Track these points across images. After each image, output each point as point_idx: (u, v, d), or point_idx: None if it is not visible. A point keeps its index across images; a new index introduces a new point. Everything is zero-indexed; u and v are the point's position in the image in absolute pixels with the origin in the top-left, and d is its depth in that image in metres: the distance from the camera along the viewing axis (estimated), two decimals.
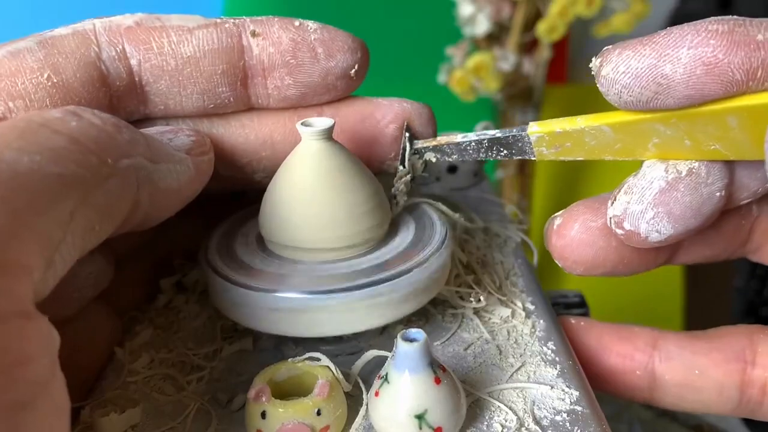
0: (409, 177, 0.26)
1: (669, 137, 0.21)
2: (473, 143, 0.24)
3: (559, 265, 0.24)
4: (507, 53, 0.75)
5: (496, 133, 0.24)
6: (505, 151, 0.24)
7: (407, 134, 0.25)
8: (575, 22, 0.72)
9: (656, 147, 0.21)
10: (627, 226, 0.21)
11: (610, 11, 0.74)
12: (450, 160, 0.25)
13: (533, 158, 0.23)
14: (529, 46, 0.77)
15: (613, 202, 0.22)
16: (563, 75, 0.91)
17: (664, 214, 0.21)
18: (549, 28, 0.72)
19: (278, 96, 0.24)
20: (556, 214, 0.24)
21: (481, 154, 0.24)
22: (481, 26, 0.74)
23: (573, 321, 0.26)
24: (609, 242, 0.23)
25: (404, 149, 0.25)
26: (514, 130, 0.23)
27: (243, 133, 0.25)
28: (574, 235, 0.23)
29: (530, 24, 0.74)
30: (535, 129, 0.23)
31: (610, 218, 0.22)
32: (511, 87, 0.77)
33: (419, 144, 0.25)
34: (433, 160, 0.25)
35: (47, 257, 0.15)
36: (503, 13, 0.74)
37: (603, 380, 0.25)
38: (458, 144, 0.24)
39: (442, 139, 0.25)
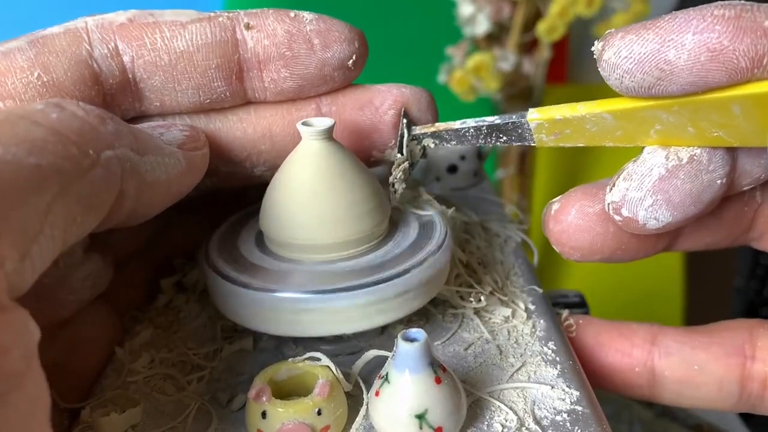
0: (407, 164, 0.25)
1: (671, 124, 0.20)
2: (472, 129, 0.24)
3: (557, 250, 0.24)
4: (507, 53, 0.75)
5: (495, 119, 0.23)
6: (505, 138, 0.23)
7: (405, 120, 0.25)
8: (575, 22, 0.72)
9: (658, 134, 0.21)
10: (625, 212, 0.21)
11: (610, 11, 0.74)
12: (448, 146, 0.25)
13: (533, 144, 0.23)
14: (529, 46, 0.78)
15: (611, 188, 0.21)
16: (563, 75, 0.91)
17: (663, 201, 0.21)
18: (549, 28, 0.72)
19: (275, 89, 0.24)
20: (553, 200, 0.24)
21: (480, 141, 0.24)
22: (481, 26, 0.74)
23: (571, 319, 0.26)
24: (606, 228, 0.23)
25: (402, 136, 0.25)
26: (514, 117, 0.23)
27: (241, 127, 0.25)
28: (571, 221, 0.23)
29: (530, 24, 0.74)
30: (534, 116, 0.22)
31: (608, 204, 0.22)
32: (511, 87, 0.77)
33: (417, 130, 0.25)
34: (432, 146, 0.25)
35: (22, 249, 0.15)
36: (503, 13, 0.74)
37: (602, 377, 0.25)
38: (457, 130, 0.24)
39: (440, 125, 0.25)
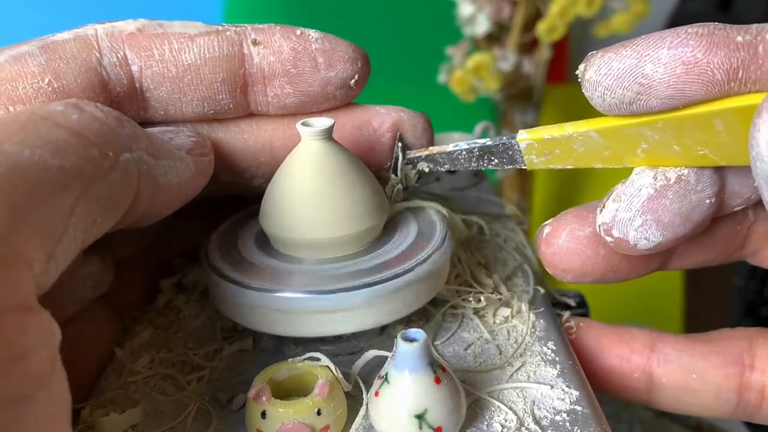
0: (400, 186, 0.26)
1: (657, 142, 0.20)
2: (464, 152, 0.24)
3: (549, 272, 0.24)
4: (507, 53, 0.75)
5: (486, 141, 0.24)
6: (496, 160, 0.24)
7: (400, 144, 0.26)
8: (575, 22, 0.72)
9: (645, 153, 0.21)
10: (616, 233, 0.21)
11: (610, 11, 0.74)
12: (442, 169, 0.26)
13: (524, 167, 0.23)
14: (529, 46, 0.78)
15: (602, 210, 0.22)
16: (563, 75, 0.91)
17: (653, 221, 0.21)
18: (549, 28, 0.72)
19: (277, 104, 0.25)
20: (545, 223, 0.24)
21: (472, 164, 0.24)
22: (481, 26, 0.74)
23: (572, 321, 0.26)
24: (597, 251, 0.23)
25: (396, 158, 0.26)
26: (504, 138, 0.23)
27: (242, 139, 0.25)
28: (562, 244, 0.23)
29: (530, 24, 0.74)
30: (524, 136, 0.23)
31: (599, 225, 0.22)
32: (511, 87, 0.77)
33: (411, 154, 0.26)
34: (426, 170, 0.26)
35: (48, 250, 0.15)
36: (503, 13, 0.74)
37: (601, 381, 0.25)
38: (450, 153, 0.25)
39: (434, 148, 0.25)
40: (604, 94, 0.20)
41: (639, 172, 0.21)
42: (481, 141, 0.24)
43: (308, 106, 0.25)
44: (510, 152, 0.23)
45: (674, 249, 0.24)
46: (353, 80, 0.25)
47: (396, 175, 0.26)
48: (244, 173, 0.26)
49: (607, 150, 0.22)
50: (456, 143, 0.25)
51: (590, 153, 0.22)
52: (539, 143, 0.22)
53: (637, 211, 0.21)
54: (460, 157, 0.25)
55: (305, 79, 0.24)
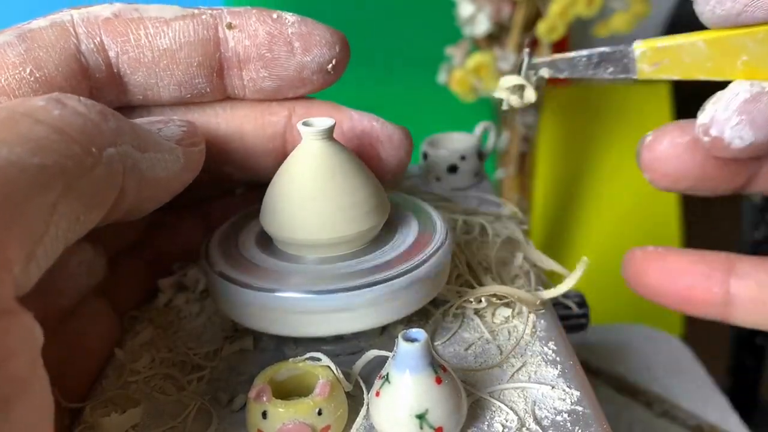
0: (521, 80, 0.26)
1: (757, 55, 0.22)
2: (584, 59, 0.25)
3: (647, 178, 0.26)
4: (507, 53, 0.75)
5: (605, 48, 0.25)
6: (612, 68, 0.25)
7: (527, 50, 0.27)
8: (575, 22, 0.72)
9: (745, 65, 0.23)
10: (713, 132, 0.23)
11: (610, 11, 0.74)
12: (561, 76, 0.26)
13: (635, 77, 0.25)
14: (529, 46, 0.77)
15: (701, 113, 0.23)
16: None
17: (747, 121, 0.22)
18: (549, 28, 0.72)
19: (253, 87, 0.25)
20: (647, 134, 0.25)
21: (590, 71, 0.25)
22: (481, 26, 0.74)
23: (641, 252, 0.28)
24: (694, 157, 0.24)
25: (521, 62, 0.27)
26: (621, 46, 0.25)
27: (215, 122, 0.25)
28: (662, 149, 0.25)
29: (530, 24, 0.74)
30: (638, 44, 0.24)
31: (698, 126, 0.23)
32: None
33: (536, 60, 0.27)
34: (546, 75, 0.26)
35: (28, 250, 0.15)
36: (503, 13, 0.74)
37: (678, 299, 0.27)
38: (570, 59, 0.26)
39: (556, 55, 0.26)
40: (714, 7, 0.21)
41: (737, 82, 0.23)
42: (601, 48, 0.25)
43: (284, 90, 0.25)
44: (625, 60, 0.25)
45: (760, 168, 0.25)
46: (330, 65, 0.24)
47: (520, 74, 0.27)
48: (215, 157, 0.25)
49: (710, 61, 0.23)
50: (578, 50, 0.26)
51: (695, 63, 0.23)
52: (652, 51, 0.24)
53: (734, 111, 0.22)
54: (579, 63, 0.25)
55: (281, 63, 0.24)
